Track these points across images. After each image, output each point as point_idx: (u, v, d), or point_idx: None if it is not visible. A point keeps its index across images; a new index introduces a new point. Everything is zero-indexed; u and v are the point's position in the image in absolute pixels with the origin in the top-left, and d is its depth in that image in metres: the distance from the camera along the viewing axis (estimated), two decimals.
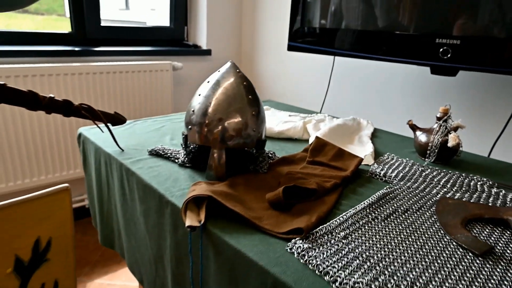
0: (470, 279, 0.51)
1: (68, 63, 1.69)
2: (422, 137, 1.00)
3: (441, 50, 1.12)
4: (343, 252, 0.55)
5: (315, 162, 0.88)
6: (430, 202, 0.74)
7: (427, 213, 0.69)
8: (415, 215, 0.68)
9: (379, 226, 0.63)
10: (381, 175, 0.86)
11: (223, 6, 2.23)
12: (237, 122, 0.79)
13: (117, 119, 0.97)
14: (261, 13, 2.18)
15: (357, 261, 0.53)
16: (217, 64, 2.30)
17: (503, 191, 0.81)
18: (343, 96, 1.75)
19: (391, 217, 0.67)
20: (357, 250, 0.55)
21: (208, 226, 0.62)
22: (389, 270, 0.51)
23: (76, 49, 1.74)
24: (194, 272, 0.65)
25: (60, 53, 1.68)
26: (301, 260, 0.53)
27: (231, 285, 0.58)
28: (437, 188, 0.80)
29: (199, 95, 0.82)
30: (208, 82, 0.83)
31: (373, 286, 0.47)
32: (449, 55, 1.11)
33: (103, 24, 1.90)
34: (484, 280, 0.51)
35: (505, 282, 0.51)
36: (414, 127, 1.04)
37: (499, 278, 0.52)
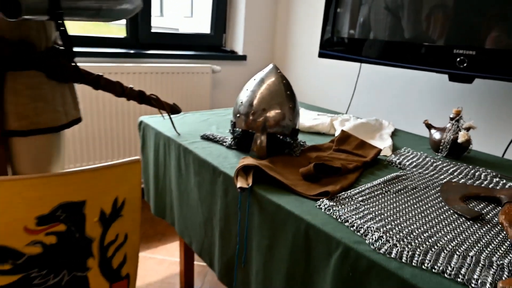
0: (458, 233, 0.66)
1: (124, 63, 1.93)
2: (436, 135, 1.14)
3: (458, 59, 1.26)
4: (360, 209, 0.71)
5: (340, 150, 1.04)
6: (437, 183, 0.88)
7: (432, 191, 0.84)
8: (422, 191, 0.83)
9: (390, 196, 0.79)
10: (396, 163, 1.01)
11: (259, 16, 2.43)
12: (277, 113, 0.97)
13: (175, 109, 1.17)
14: (293, 22, 2.36)
15: (370, 215, 0.69)
16: (251, 68, 2.50)
17: (504, 181, 0.94)
18: (368, 100, 1.89)
19: (401, 191, 0.82)
20: (371, 209, 0.71)
21: (254, 188, 0.80)
22: (395, 222, 0.67)
23: (131, 51, 1.98)
24: (241, 225, 0.83)
25: (119, 54, 1.92)
26: (327, 213, 0.70)
27: (271, 232, 0.75)
28: (444, 175, 0.94)
29: (247, 89, 1.00)
30: (254, 79, 1.01)
31: (381, 230, 0.63)
32: (465, 64, 1.25)
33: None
34: (469, 235, 0.65)
35: (486, 237, 0.65)
36: (429, 126, 1.18)
37: (481, 235, 0.66)
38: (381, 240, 0.61)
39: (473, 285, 0.51)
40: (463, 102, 1.54)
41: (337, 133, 1.22)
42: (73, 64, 0.83)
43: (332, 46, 1.66)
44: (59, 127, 0.85)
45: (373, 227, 0.64)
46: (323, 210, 0.71)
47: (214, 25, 2.45)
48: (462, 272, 0.54)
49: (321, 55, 1.65)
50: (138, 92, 1.01)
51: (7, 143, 0.79)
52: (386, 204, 0.75)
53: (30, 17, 0.63)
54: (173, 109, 1.17)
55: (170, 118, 1.14)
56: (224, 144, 1.08)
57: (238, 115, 1.00)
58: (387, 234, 0.62)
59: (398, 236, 0.62)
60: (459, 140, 1.05)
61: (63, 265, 0.90)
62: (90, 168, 0.89)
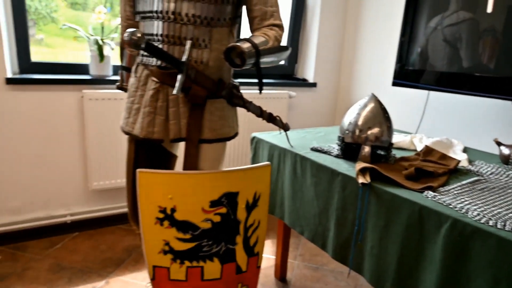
0: None
1: None
2: (505, 150, 1.38)
3: None
4: (457, 198, 0.98)
5: (427, 160, 1.32)
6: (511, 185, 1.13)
7: (509, 190, 1.09)
8: (501, 190, 1.09)
9: (476, 192, 1.05)
10: (475, 171, 1.27)
11: (328, 49, 2.77)
12: (378, 131, 1.27)
13: (288, 127, 1.50)
14: (357, 55, 2.68)
15: (466, 202, 0.96)
16: (320, 94, 2.82)
17: None
18: (435, 122, 2.14)
19: (484, 189, 1.08)
20: (465, 198, 0.99)
21: (372, 184, 1.09)
22: (486, 207, 0.94)
23: None
24: (360, 211, 1.13)
25: None
26: (433, 199, 0.98)
27: (387, 215, 1.04)
28: None
29: (353, 112, 1.31)
30: (359, 105, 1.33)
31: (477, 210, 0.90)
32: None
33: None
34: None
35: None
36: (499, 143, 1.42)
37: None
38: (479, 216, 0.88)
39: None
40: None
41: (418, 148, 1.50)
42: (239, 94, 1.20)
43: (403, 75, 1.94)
44: (230, 137, 1.21)
45: (472, 208, 0.91)
46: (429, 198, 0.99)
47: (288, 57, 2.82)
48: None
49: (394, 84, 1.94)
50: (269, 114, 1.36)
51: (198, 148, 1.15)
52: (475, 196, 1.02)
53: (245, 67, 0.99)
54: (286, 127, 1.50)
55: (286, 134, 1.47)
56: (331, 154, 1.39)
57: (346, 131, 1.31)
58: (483, 213, 0.89)
59: (490, 214, 0.89)
60: None
61: (222, 239, 1.24)
62: (242, 168, 1.24)
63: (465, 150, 1.63)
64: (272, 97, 2.52)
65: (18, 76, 1.86)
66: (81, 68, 2.09)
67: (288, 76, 2.87)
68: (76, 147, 2.02)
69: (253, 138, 1.68)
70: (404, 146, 1.58)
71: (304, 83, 2.75)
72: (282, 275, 1.82)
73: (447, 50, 1.87)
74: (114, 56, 2.09)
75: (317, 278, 1.86)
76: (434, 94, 2.07)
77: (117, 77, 2.05)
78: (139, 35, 0.84)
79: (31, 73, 1.96)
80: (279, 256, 1.79)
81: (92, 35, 1.98)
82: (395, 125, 2.45)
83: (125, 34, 0.84)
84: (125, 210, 2.22)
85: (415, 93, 2.17)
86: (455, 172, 1.25)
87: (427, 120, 2.15)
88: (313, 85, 2.77)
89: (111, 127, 2.01)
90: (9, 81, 1.80)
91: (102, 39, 1.96)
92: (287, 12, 2.77)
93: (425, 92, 2.07)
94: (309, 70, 2.81)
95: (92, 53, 1.98)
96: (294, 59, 2.86)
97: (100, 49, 1.92)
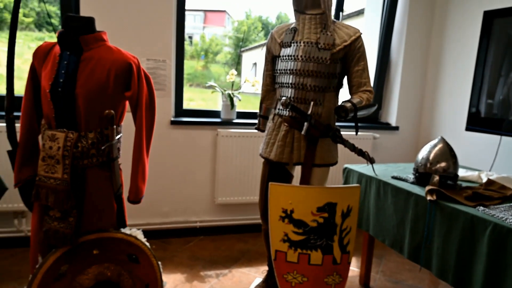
0: None
1: None
2: None
3: None
4: (502, 213, 1.36)
5: (487, 189, 1.68)
6: None
7: None
8: None
9: None
10: None
11: (409, 96, 3.19)
12: (445, 164, 1.69)
13: (373, 160, 1.99)
14: (436, 101, 3.04)
15: (506, 214, 1.34)
16: (402, 136, 3.22)
17: None
18: (506, 164, 2.40)
19: None
20: (507, 213, 1.36)
21: (438, 201, 1.52)
22: None
23: None
24: (429, 221, 1.55)
25: None
26: (483, 212, 1.38)
27: (448, 223, 1.45)
28: None
29: (426, 150, 1.76)
30: (429, 144, 1.77)
31: (509, 218, 1.29)
32: None
33: None
34: None
35: None
36: None
37: None
38: None
39: None
40: None
41: (484, 181, 1.85)
42: (340, 134, 1.75)
43: (477, 121, 2.29)
44: (333, 164, 1.75)
45: (510, 218, 1.30)
46: (480, 211, 1.39)
47: None
48: None
49: (468, 129, 2.30)
50: (359, 149, 1.87)
51: (311, 170, 1.72)
52: None
53: (347, 118, 1.55)
54: (372, 160, 1.98)
55: (372, 165, 1.96)
56: (408, 181, 1.83)
57: (420, 164, 1.75)
58: None
59: None
60: None
61: (324, 236, 1.74)
62: (340, 186, 1.75)
63: None
64: (358, 138, 3.01)
65: (176, 118, 2.67)
66: (214, 113, 2.86)
67: (373, 120, 3.34)
68: (208, 170, 2.74)
69: (345, 168, 2.19)
70: (472, 180, 1.94)
71: (387, 127, 3.19)
72: (366, 282, 2.22)
73: None
74: (238, 105, 2.82)
75: None
76: (506, 139, 2.36)
77: (241, 120, 2.77)
78: (288, 101, 1.46)
79: (182, 116, 2.77)
80: (364, 265, 2.20)
81: (225, 90, 2.74)
82: (469, 164, 2.73)
83: (281, 100, 1.47)
84: (240, 222, 2.85)
85: (488, 137, 2.48)
86: (510, 199, 1.60)
87: (500, 162, 2.42)
88: (396, 128, 3.19)
89: (235, 157, 2.69)
90: (172, 122, 2.61)
91: (232, 93, 2.70)
92: (373, 65, 3.28)
93: (497, 136, 2.37)
94: (392, 115, 3.25)
95: (224, 102, 2.73)
96: (378, 105, 3.33)
97: (231, 100, 2.66)
